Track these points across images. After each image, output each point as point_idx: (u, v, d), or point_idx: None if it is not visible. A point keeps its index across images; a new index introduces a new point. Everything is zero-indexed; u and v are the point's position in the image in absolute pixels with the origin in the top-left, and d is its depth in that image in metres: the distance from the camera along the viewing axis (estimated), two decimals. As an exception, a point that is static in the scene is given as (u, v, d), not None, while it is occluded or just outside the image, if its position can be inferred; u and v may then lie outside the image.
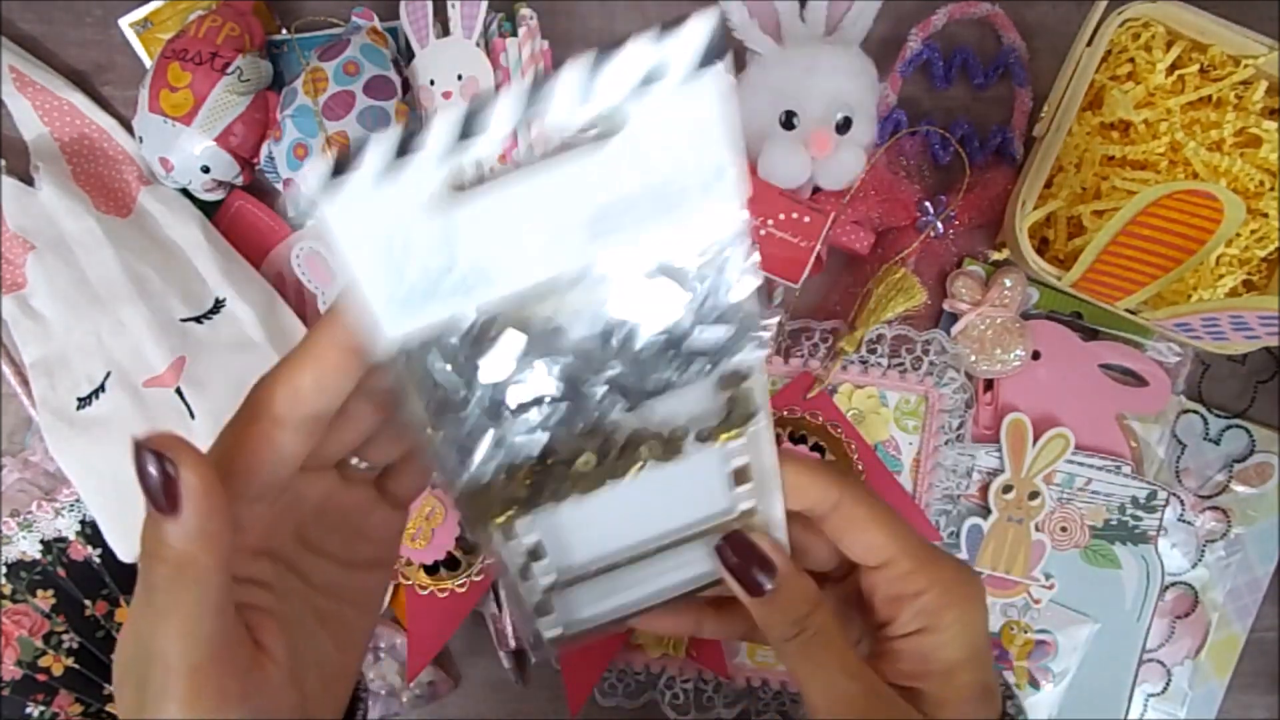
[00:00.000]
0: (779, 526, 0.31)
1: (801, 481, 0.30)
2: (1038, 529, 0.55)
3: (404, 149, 0.20)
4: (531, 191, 0.20)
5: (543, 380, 0.23)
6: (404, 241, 0.20)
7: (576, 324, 0.23)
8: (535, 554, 0.29)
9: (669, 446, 0.26)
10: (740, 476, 0.29)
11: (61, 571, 0.53)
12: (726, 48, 0.20)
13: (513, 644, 0.55)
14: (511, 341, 0.23)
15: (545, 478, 0.26)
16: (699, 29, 0.20)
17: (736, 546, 0.30)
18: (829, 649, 0.31)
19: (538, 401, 0.24)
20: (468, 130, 0.20)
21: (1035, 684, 0.57)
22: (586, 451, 0.25)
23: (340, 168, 0.20)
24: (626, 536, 0.30)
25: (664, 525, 0.30)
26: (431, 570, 0.54)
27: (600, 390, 0.24)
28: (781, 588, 0.30)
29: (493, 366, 0.23)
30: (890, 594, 0.31)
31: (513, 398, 0.23)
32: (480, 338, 0.22)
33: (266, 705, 0.25)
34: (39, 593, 0.52)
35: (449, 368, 0.23)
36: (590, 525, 0.29)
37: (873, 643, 0.33)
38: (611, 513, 0.28)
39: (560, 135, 0.20)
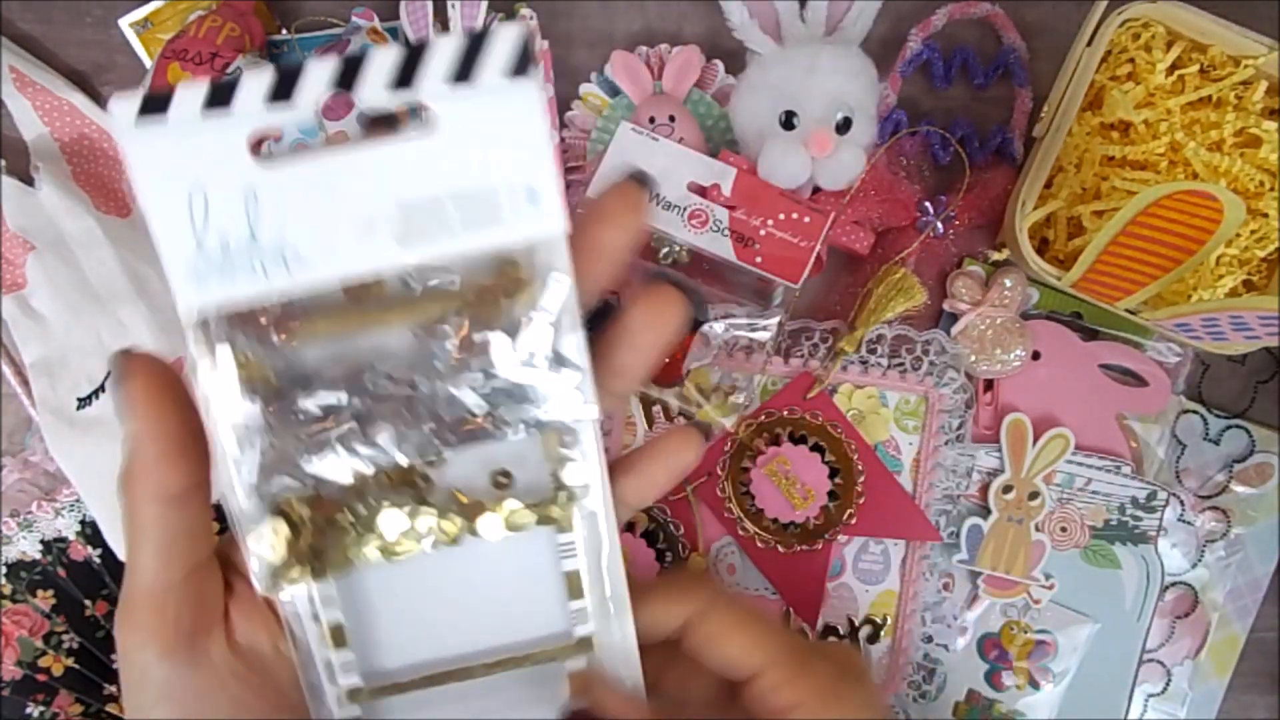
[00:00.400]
0: (630, 659, 0.26)
1: (655, 595, 0.26)
2: (1038, 529, 0.55)
3: (214, 101, 0.19)
4: (337, 171, 0.20)
5: (342, 387, 0.21)
6: (203, 201, 0.20)
7: (386, 335, 0.21)
8: (337, 638, 0.24)
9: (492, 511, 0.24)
10: (574, 587, 0.25)
11: (61, 571, 0.53)
12: (535, 62, 0.20)
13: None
14: (314, 338, 0.21)
15: (344, 522, 0.23)
16: (510, 36, 0.19)
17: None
18: None
19: (337, 412, 0.22)
20: (278, 94, 0.19)
21: (1035, 684, 0.57)
22: (394, 504, 0.23)
23: (149, 107, 0.19)
24: (445, 644, 0.25)
25: (490, 638, 0.25)
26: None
27: (405, 411, 0.22)
28: None
29: (292, 361, 0.21)
30: (767, 709, 0.27)
31: (311, 403, 0.21)
32: (281, 325, 0.21)
33: (191, 661, 0.24)
34: (39, 593, 0.52)
35: (248, 355, 0.21)
36: (403, 613, 0.25)
37: None
38: (427, 603, 0.25)
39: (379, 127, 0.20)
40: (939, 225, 0.55)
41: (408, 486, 0.23)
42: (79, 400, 0.51)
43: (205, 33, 0.51)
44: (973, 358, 0.55)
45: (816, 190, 0.54)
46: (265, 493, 0.22)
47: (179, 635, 0.23)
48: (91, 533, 0.53)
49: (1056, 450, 0.55)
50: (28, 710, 0.51)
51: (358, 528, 0.23)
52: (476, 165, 0.20)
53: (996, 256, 0.56)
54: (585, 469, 0.24)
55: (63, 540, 0.53)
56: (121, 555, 0.52)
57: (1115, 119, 0.54)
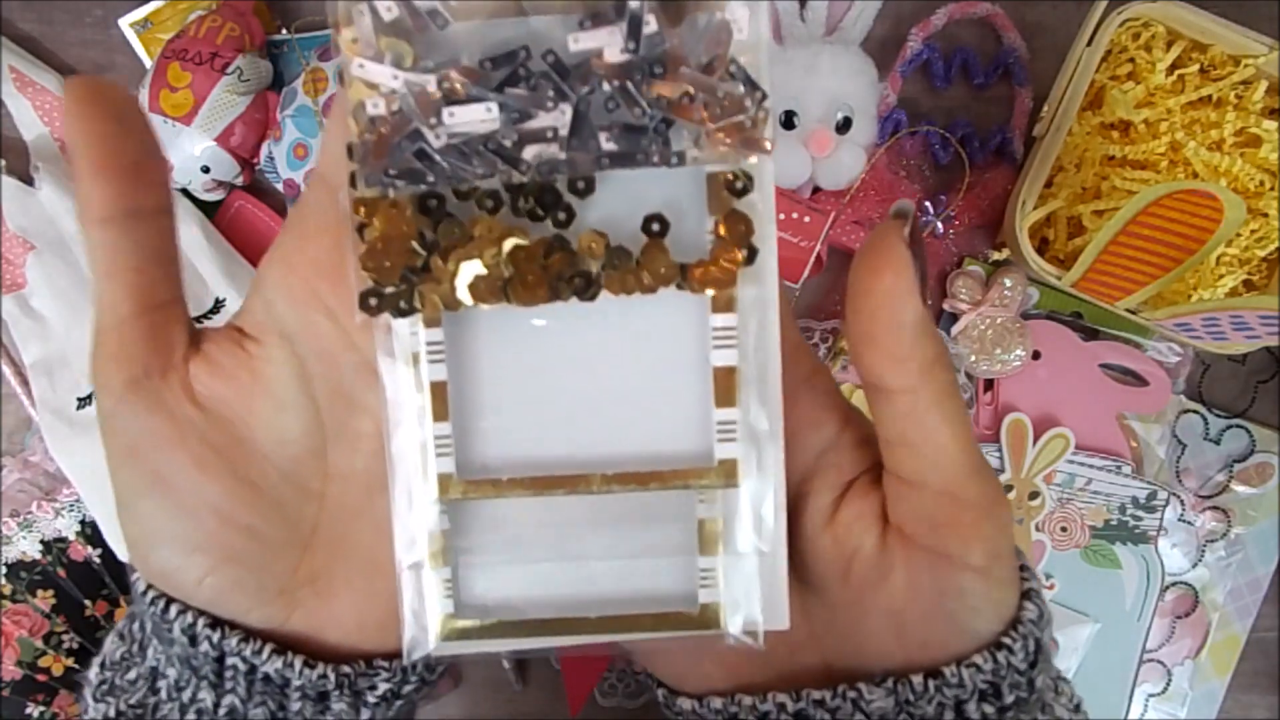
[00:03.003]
0: (766, 523, 0.21)
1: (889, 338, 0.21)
2: (1038, 529, 0.55)
3: None
4: None
5: (491, 79, 0.18)
6: None
7: (549, 25, 0.18)
8: (438, 402, 0.20)
9: (633, 265, 0.19)
10: (724, 389, 0.20)
11: (61, 571, 0.53)
12: None
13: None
14: (467, 15, 0.18)
15: (463, 229, 0.19)
16: None
17: None
18: None
19: (481, 106, 0.18)
20: None
21: (1035, 684, 0.57)
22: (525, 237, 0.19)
23: None
24: (558, 440, 0.21)
25: (613, 443, 0.21)
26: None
27: (554, 113, 0.18)
28: None
29: (439, 41, 0.19)
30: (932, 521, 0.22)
31: (454, 95, 0.18)
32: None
33: (146, 405, 0.23)
34: (39, 593, 0.52)
35: (394, 12, 0.18)
36: (513, 395, 0.21)
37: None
38: (543, 386, 0.21)
39: None
40: (939, 225, 0.55)
41: (545, 216, 0.19)
42: (79, 400, 0.51)
43: (205, 33, 0.51)
44: (973, 358, 0.55)
45: (816, 190, 0.54)
46: (377, 178, 0.19)
47: (130, 374, 0.22)
48: (91, 533, 0.53)
49: (1056, 450, 0.55)
50: (28, 710, 0.51)
51: (482, 257, 0.19)
52: None
53: (996, 256, 0.56)
54: (757, 226, 0.19)
55: (63, 540, 0.53)
56: (122, 556, 0.52)
57: (1115, 119, 0.54)
